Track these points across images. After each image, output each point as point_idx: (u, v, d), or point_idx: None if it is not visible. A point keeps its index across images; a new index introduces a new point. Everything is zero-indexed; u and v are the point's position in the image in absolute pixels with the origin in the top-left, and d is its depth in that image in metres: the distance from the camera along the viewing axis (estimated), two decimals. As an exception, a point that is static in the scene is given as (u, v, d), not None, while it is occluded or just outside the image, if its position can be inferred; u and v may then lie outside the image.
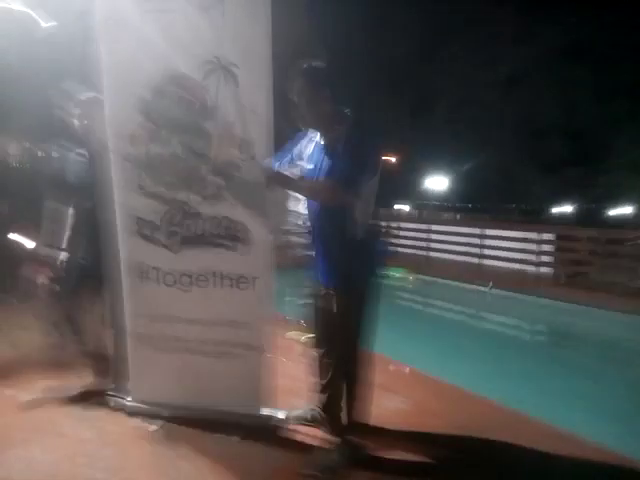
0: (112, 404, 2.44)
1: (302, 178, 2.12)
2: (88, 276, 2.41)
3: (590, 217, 19.21)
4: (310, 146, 2.13)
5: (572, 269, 8.41)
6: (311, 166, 2.06)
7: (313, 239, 2.12)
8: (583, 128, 18.78)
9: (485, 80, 18.59)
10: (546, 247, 8.78)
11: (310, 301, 2.25)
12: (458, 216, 20.48)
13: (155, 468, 2.01)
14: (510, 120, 19.09)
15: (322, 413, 2.28)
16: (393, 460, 2.14)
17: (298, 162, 2.17)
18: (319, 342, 2.27)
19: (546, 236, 8.82)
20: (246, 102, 2.09)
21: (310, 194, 2.06)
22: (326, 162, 1.99)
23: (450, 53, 18.14)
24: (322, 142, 2.07)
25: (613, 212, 21.01)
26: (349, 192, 1.89)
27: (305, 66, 1.97)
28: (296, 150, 2.21)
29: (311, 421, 2.33)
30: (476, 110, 19.35)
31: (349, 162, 1.88)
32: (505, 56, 18.30)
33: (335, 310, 2.06)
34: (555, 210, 23.12)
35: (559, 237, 8.87)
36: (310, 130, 2.14)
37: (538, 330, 7.08)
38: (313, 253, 2.17)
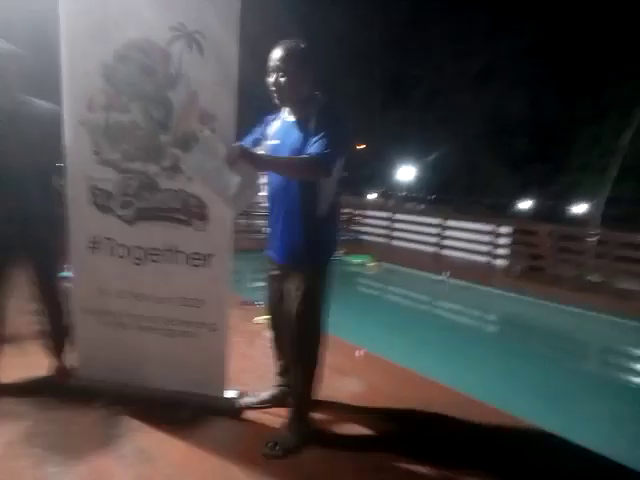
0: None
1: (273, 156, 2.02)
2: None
3: (549, 213, 19.96)
4: (275, 123, 2.09)
5: (527, 262, 8.74)
6: (277, 141, 2.01)
7: (272, 217, 2.08)
8: (547, 126, 19.38)
9: (456, 72, 18.83)
10: (503, 240, 9.08)
11: (269, 280, 2.25)
12: (422, 206, 20.87)
13: (99, 443, 1.97)
14: (478, 114, 19.45)
15: (281, 394, 2.31)
16: (345, 435, 2.20)
17: (263, 141, 2.12)
18: (274, 322, 2.28)
19: (504, 229, 9.11)
20: (210, 73, 2.04)
21: (287, 170, 1.95)
22: (295, 138, 1.95)
23: (422, 41, 18.21)
24: (291, 119, 2.03)
25: (571, 209, 21.93)
26: (326, 168, 1.88)
27: (289, 44, 1.93)
28: (263, 130, 2.17)
29: (268, 402, 2.34)
30: (446, 102, 19.61)
31: (323, 139, 1.85)
32: (477, 50, 18.54)
33: (294, 288, 2.07)
34: (516, 205, 23.89)
35: (517, 231, 9.17)
36: (281, 109, 2.10)
37: (489, 319, 7.36)
38: (269, 231, 2.14)
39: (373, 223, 11.62)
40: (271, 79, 1.95)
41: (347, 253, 9.00)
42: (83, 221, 2.23)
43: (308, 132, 1.91)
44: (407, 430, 2.35)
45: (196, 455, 1.94)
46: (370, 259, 9.25)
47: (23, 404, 2.19)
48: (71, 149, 2.16)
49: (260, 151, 2.01)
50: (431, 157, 20.78)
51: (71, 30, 2.09)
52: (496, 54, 18.09)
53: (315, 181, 1.94)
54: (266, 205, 2.12)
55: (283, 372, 2.34)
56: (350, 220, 11.81)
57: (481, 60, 18.62)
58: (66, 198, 2.21)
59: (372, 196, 23.71)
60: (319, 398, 2.27)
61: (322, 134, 1.85)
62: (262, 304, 2.36)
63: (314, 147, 1.84)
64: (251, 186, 1.87)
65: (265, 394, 2.37)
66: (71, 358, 2.43)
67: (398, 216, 11.22)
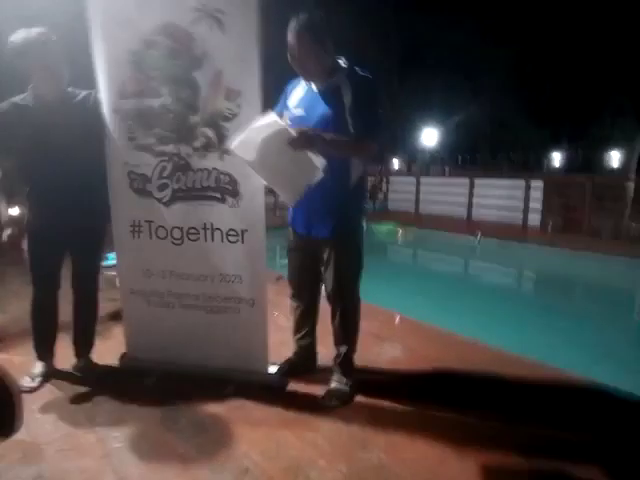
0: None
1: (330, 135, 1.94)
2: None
3: (582, 166, 19.26)
4: (297, 92, 2.10)
5: (562, 216, 8.54)
6: (301, 112, 2.02)
7: None
8: (575, 75, 18.46)
9: (475, 27, 18.01)
10: (536, 195, 8.86)
11: (293, 253, 2.30)
12: (447, 168, 20.44)
13: (155, 419, 2.08)
14: (501, 68, 18.65)
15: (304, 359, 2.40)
16: (388, 395, 2.26)
17: (285, 111, 2.13)
18: (299, 292, 2.34)
19: (536, 183, 8.89)
20: (233, 50, 2.05)
21: (345, 151, 1.95)
22: (323, 110, 1.95)
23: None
24: (315, 88, 2.03)
25: (605, 160, 21.09)
26: (379, 148, 1.91)
27: (303, 17, 1.91)
28: (283, 101, 2.18)
29: (297, 369, 2.41)
30: (467, 59, 18.86)
31: (370, 117, 1.86)
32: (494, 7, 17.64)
33: (328, 259, 2.12)
34: (547, 160, 23.11)
35: (549, 184, 8.93)
36: (298, 77, 2.11)
37: (527, 276, 7.29)
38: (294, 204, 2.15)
39: (399, 189, 11.52)
40: (291, 57, 1.96)
41: (374, 221, 9.01)
42: (124, 206, 2.33)
43: (338, 104, 1.91)
44: (450, 387, 2.40)
45: (247, 424, 2.03)
46: (397, 225, 9.21)
47: (81, 386, 2.31)
48: (108, 137, 2.24)
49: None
50: (454, 117, 20.17)
51: (98, 20, 2.14)
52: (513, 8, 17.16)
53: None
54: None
55: (305, 337, 2.42)
56: (375, 188, 11.73)
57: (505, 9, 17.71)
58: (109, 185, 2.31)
59: (396, 162, 23.36)
60: (361, 363, 2.34)
61: (366, 111, 1.85)
62: (289, 275, 2.41)
63: (361, 125, 1.84)
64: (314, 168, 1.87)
65: (288, 360, 2.42)
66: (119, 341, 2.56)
67: (424, 180, 11.08)
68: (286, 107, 2.14)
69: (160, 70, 2.12)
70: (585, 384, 2.44)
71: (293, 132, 1.83)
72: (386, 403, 2.19)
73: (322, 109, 1.95)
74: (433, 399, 2.25)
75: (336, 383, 2.22)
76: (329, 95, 1.97)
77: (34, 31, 2.05)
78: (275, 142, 1.85)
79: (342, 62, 2.02)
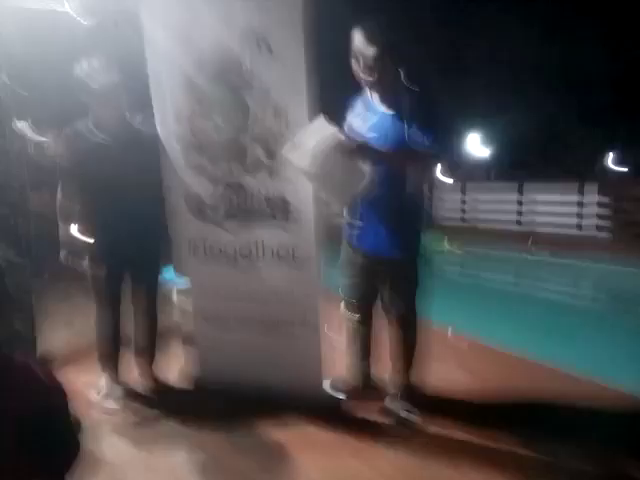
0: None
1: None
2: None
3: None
4: (368, 115, 2.07)
5: (626, 227, 8.04)
6: (374, 135, 1.98)
7: (359, 207, 2.09)
8: (631, 74, 17.52)
9: (521, 28, 17.56)
10: (594, 205, 8.39)
11: (347, 269, 2.29)
12: (493, 173, 19.81)
13: (221, 440, 2.11)
14: (548, 67, 18.04)
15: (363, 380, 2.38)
16: (453, 422, 2.18)
17: (352, 132, 2.10)
18: (355, 308, 2.33)
19: (593, 193, 8.42)
20: (281, 70, 2.10)
21: (404, 163, 1.96)
22: (396, 133, 1.94)
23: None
24: (387, 111, 2.00)
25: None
26: (440, 156, 1.92)
27: (371, 25, 1.90)
28: (347, 117, 2.19)
29: (356, 390, 2.39)
30: (511, 59, 18.38)
31: (433, 132, 1.87)
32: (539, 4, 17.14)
33: (387, 276, 2.11)
34: (603, 164, 22.00)
35: (611, 192, 8.42)
36: (361, 93, 2.11)
37: (589, 294, 6.88)
38: (356, 222, 2.17)
39: (443, 197, 11.29)
40: (357, 68, 1.95)
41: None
42: (181, 227, 2.41)
43: (409, 124, 1.90)
44: (518, 414, 2.28)
45: (312, 449, 2.02)
46: (443, 239, 8.98)
47: (146, 402, 2.40)
48: (164, 161, 2.35)
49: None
50: (500, 120, 19.61)
51: (153, 47, 2.24)
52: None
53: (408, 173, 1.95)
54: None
55: (360, 357, 2.40)
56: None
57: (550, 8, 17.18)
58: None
59: (439, 167, 22.92)
60: (420, 385, 2.30)
61: (430, 122, 1.86)
62: (346, 295, 2.40)
63: (426, 137, 1.84)
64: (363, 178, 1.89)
65: (349, 382, 2.41)
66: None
67: (470, 185, 10.81)
68: (351, 129, 2.12)
69: (211, 94, 2.20)
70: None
71: (344, 137, 1.84)
72: (453, 431, 2.12)
73: (386, 122, 1.95)
74: (502, 427, 2.14)
75: (393, 404, 2.20)
76: (393, 107, 1.96)
77: (95, 61, 2.19)
78: (327, 148, 1.87)
79: (403, 75, 2.01)
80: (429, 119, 1.88)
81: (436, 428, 2.15)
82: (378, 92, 2.02)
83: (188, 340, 2.66)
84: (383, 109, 2.00)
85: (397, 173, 1.90)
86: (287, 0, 2.01)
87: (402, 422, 2.15)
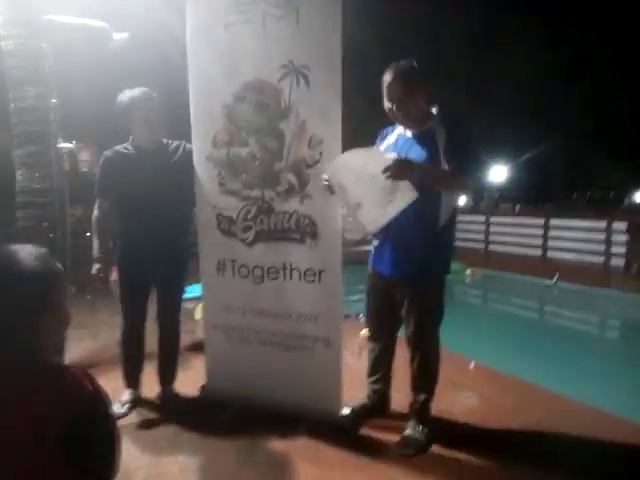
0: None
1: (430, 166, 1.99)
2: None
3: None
4: (391, 138, 2.17)
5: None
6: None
7: (386, 230, 2.10)
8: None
9: (548, 62, 17.65)
10: (619, 237, 8.27)
11: (373, 293, 2.32)
12: (518, 206, 19.64)
13: (232, 452, 2.14)
14: (575, 104, 18.00)
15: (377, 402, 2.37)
16: (464, 447, 2.17)
17: None
18: (380, 334, 2.34)
19: (618, 225, 8.31)
20: (317, 102, 2.19)
21: (442, 184, 1.99)
22: (418, 154, 2.00)
23: (508, 35, 17.31)
24: (409, 134, 2.09)
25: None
26: (471, 183, 1.97)
27: (400, 66, 2.01)
28: (379, 145, 2.26)
29: (369, 412, 2.37)
30: (538, 95, 18.42)
31: (467, 155, 1.92)
32: (569, 36, 17.25)
33: (416, 302, 2.12)
34: (628, 198, 21.58)
35: (634, 225, 8.30)
36: (396, 125, 2.18)
37: (611, 325, 6.73)
38: (378, 242, 2.21)
39: (467, 228, 11.22)
40: (387, 104, 2.05)
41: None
42: (211, 245, 2.49)
43: (432, 148, 1.97)
44: (529, 442, 2.26)
45: (320, 465, 2.03)
46: (463, 266, 8.90)
47: (164, 415, 2.43)
48: (200, 182, 2.45)
49: None
50: (527, 154, 19.53)
51: (197, 76, 2.38)
52: (593, 36, 16.66)
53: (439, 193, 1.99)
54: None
55: (379, 381, 2.39)
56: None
57: (577, 44, 17.27)
58: (197, 226, 2.50)
59: (463, 198, 22.81)
60: (435, 412, 2.28)
61: (461, 152, 1.91)
62: (368, 319, 2.42)
63: (456, 165, 1.89)
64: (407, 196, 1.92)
65: (361, 404, 2.40)
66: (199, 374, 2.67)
67: (494, 219, 10.74)
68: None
69: (249, 122, 2.31)
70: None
71: (390, 157, 1.89)
72: (462, 455, 2.11)
73: (416, 153, 2.00)
74: (511, 453, 2.14)
75: (412, 430, 2.17)
76: (423, 139, 2.03)
77: (138, 91, 2.34)
78: (370, 166, 1.92)
79: (434, 109, 2.09)
80: (459, 151, 1.92)
81: (443, 449, 2.14)
82: (408, 126, 2.10)
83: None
84: (414, 142, 2.06)
85: (424, 198, 1.91)
86: (327, 36, 2.12)
87: (409, 442, 2.14)
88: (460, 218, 11.41)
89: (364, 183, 1.97)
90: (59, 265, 0.98)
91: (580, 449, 2.22)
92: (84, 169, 8.30)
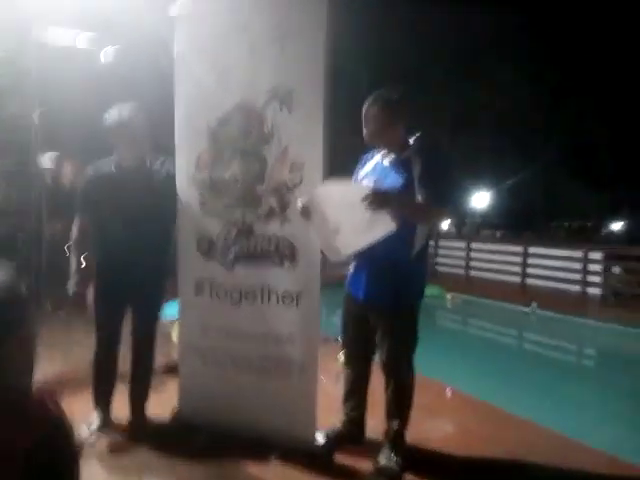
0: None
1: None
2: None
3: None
4: (369, 164, 2.22)
5: (625, 290, 8.06)
6: (370, 183, 2.10)
7: (362, 256, 2.15)
8: (633, 142, 18.04)
9: (527, 94, 18.25)
10: (595, 266, 8.47)
11: (348, 317, 2.33)
12: (499, 233, 20.02)
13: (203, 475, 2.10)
14: (553, 134, 18.59)
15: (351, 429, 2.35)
16: (439, 477, 2.17)
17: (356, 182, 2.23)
18: (355, 359, 2.34)
19: (595, 254, 8.52)
20: (299, 128, 2.23)
21: (417, 215, 2.03)
22: (393, 180, 2.05)
23: (488, 66, 17.91)
24: (386, 161, 2.14)
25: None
26: (446, 212, 1.99)
27: (380, 94, 2.07)
28: (357, 171, 2.31)
29: (343, 440, 2.35)
30: (519, 125, 18.98)
31: (433, 183, 1.95)
32: (548, 70, 17.92)
33: (388, 329, 2.13)
34: (605, 228, 22.18)
35: (610, 256, 8.52)
36: (376, 150, 2.23)
37: (587, 354, 6.82)
38: (354, 268, 2.24)
39: (448, 254, 11.36)
40: (366, 131, 2.10)
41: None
42: (190, 266, 2.48)
43: (407, 175, 2.01)
44: (505, 472, 2.27)
45: None
46: (443, 291, 8.97)
47: (134, 439, 2.36)
48: (181, 203, 2.45)
49: None
50: (507, 182, 19.99)
51: (183, 99, 2.41)
52: (571, 71, 17.34)
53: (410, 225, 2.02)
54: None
55: (354, 408, 2.38)
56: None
57: (557, 78, 17.92)
58: (177, 247, 2.49)
59: (445, 225, 23.15)
60: (410, 440, 2.27)
61: (436, 180, 1.94)
62: (344, 344, 2.42)
63: (432, 194, 1.92)
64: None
65: (336, 431, 2.37)
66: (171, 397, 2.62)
67: (475, 245, 10.89)
68: (358, 177, 2.26)
69: (233, 145, 2.33)
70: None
71: (368, 188, 1.94)
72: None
73: (392, 182, 2.05)
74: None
75: (385, 459, 2.15)
76: (399, 167, 2.07)
77: (124, 112, 2.34)
78: (349, 197, 1.95)
79: (412, 138, 2.14)
80: (436, 178, 1.97)
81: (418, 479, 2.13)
82: (387, 152, 2.15)
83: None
84: (391, 170, 2.10)
85: (400, 225, 1.93)
86: (311, 63, 2.18)
87: (382, 472, 2.12)
88: (442, 243, 11.64)
89: (343, 212, 2.00)
90: (27, 288, 0.96)
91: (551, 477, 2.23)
92: (67, 184, 8.18)
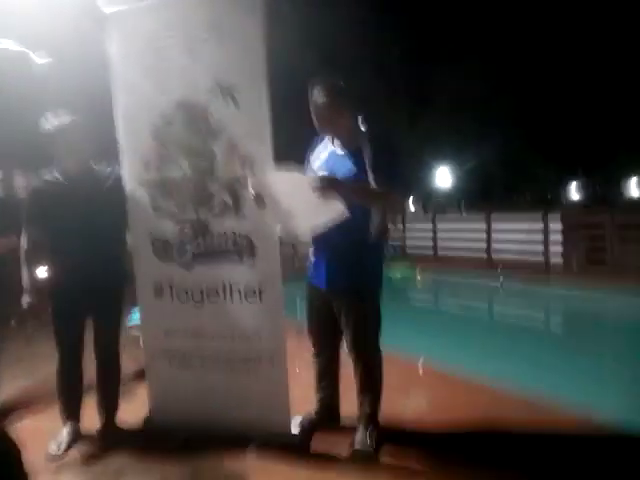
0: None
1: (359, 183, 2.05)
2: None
3: (603, 201, 19.06)
4: (322, 154, 2.22)
5: (585, 255, 8.36)
6: (324, 173, 2.10)
7: (320, 244, 2.18)
8: (590, 111, 18.61)
9: (480, 73, 18.55)
10: (556, 234, 8.72)
11: (311, 308, 2.36)
12: (463, 209, 20.48)
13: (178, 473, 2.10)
14: (509, 107, 18.99)
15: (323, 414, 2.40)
16: (414, 453, 2.21)
17: (309, 169, 2.24)
18: (322, 347, 2.38)
19: (555, 223, 8.78)
20: (246, 122, 2.21)
21: (370, 200, 2.05)
22: (347, 170, 2.06)
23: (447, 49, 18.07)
24: (340, 151, 2.15)
25: (626, 194, 20.90)
26: (397, 197, 2.03)
27: (327, 82, 2.07)
28: (307, 157, 2.31)
29: (317, 424, 2.39)
30: (473, 102, 19.29)
31: (383, 169, 1.98)
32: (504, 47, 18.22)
33: (352, 314, 2.17)
34: (565, 196, 22.99)
35: (570, 222, 8.79)
36: (326, 137, 2.23)
37: (552, 318, 7.08)
38: (314, 257, 2.26)
39: (415, 232, 11.54)
40: (315, 118, 2.10)
41: (390, 264, 8.99)
42: (147, 270, 2.44)
43: (360, 163, 2.03)
44: (479, 443, 2.33)
45: (272, 474, 2.06)
46: (411, 268, 9.12)
47: (106, 450, 2.32)
48: (132, 207, 2.40)
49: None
50: (466, 160, 20.39)
51: (122, 98, 2.35)
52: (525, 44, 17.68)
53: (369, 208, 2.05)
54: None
55: (326, 394, 2.43)
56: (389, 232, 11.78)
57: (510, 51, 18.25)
58: (132, 252, 2.44)
59: (411, 204, 23.50)
60: (385, 417, 2.32)
61: (386, 166, 1.97)
62: (310, 331, 2.45)
63: (382, 179, 1.95)
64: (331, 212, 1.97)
65: (310, 418, 2.41)
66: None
67: (440, 218, 11.11)
68: (310, 169, 2.25)
69: (180, 143, 2.29)
70: (618, 432, 2.35)
71: (317, 177, 1.97)
72: (413, 458, 2.15)
73: (345, 169, 2.06)
74: (462, 453, 2.20)
75: (361, 442, 2.20)
76: (352, 157, 2.08)
77: (61, 117, 2.26)
78: (298, 185, 1.97)
79: (362, 122, 2.15)
80: (385, 162, 2.00)
81: (393, 457, 2.18)
82: (336, 137, 2.16)
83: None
84: (342, 153, 2.12)
85: (354, 212, 1.96)
86: (251, 55, 2.16)
87: (358, 453, 2.16)
88: (409, 226, 11.80)
89: (295, 198, 2.01)
90: None
91: (527, 444, 2.28)
92: (20, 196, 7.88)
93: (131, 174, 2.38)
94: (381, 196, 2.03)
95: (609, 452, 2.22)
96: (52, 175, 2.34)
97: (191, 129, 2.27)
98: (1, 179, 4.68)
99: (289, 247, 8.71)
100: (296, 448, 2.26)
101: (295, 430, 2.34)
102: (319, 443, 2.31)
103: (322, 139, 2.27)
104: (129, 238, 2.48)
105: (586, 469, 2.07)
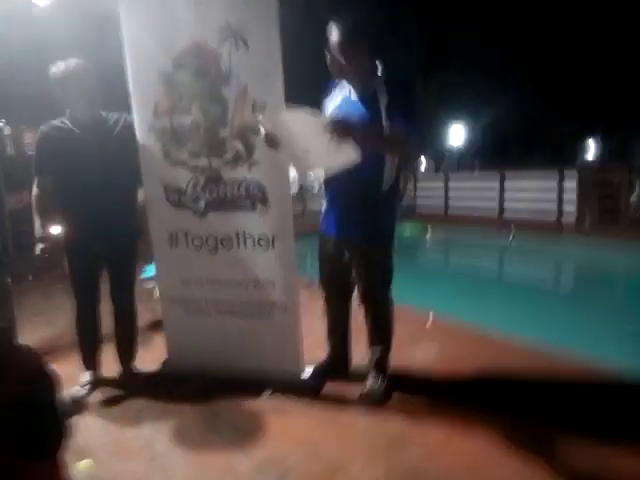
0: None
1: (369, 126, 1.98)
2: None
3: (619, 157, 18.56)
4: (336, 99, 2.16)
5: (600, 210, 8.23)
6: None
7: (333, 193, 2.16)
8: (609, 66, 17.84)
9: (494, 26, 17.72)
10: (571, 190, 8.57)
11: (323, 257, 2.35)
12: (477, 167, 20.12)
13: (197, 422, 2.16)
14: (523, 64, 18.26)
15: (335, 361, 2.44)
16: (423, 396, 2.27)
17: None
18: (333, 296, 2.38)
19: (570, 180, 8.61)
20: (258, 66, 2.14)
21: (385, 145, 2.00)
22: (361, 115, 2.00)
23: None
24: (354, 96, 2.08)
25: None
26: (419, 144, 1.97)
27: (351, 19, 1.98)
28: (323, 101, 2.24)
29: (330, 371, 2.43)
30: (490, 57, 18.56)
31: (408, 115, 1.92)
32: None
33: (359, 262, 2.16)
34: (581, 154, 22.40)
35: (585, 177, 8.60)
36: (342, 81, 2.16)
37: (565, 273, 7.03)
38: (326, 207, 2.25)
39: (427, 190, 11.41)
40: (330, 59, 2.03)
41: (402, 221, 8.93)
42: (161, 218, 2.44)
43: (375, 108, 1.97)
44: (486, 388, 2.38)
45: (286, 426, 2.08)
46: (422, 226, 9.07)
47: (127, 393, 2.42)
48: (144, 154, 2.37)
49: None
50: (482, 116, 19.84)
51: (132, 45, 2.28)
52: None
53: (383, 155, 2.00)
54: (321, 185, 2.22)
55: (338, 341, 2.46)
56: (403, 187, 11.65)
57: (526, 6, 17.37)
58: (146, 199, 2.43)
59: (423, 161, 23.12)
60: (395, 365, 2.36)
61: (401, 112, 1.91)
62: (323, 280, 2.44)
63: (397, 126, 1.90)
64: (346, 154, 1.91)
65: (322, 364, 2.45)
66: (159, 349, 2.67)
67: (453, 177, 10.95)
68: (325, 108, 2.20)
69: (190, 88, 2.24)
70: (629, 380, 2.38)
71: (330, 118, 1.91)
72: (422, 403, 2.21)
73: (359, 114, 2.00)
74: (469, 399, 2.25)
75: (371, 383, 2.25)
76: (366, 100, 2.02)
77: (71, 62, 2.21)
78: (311, 126, 1.90)
79: (379, 66, 2.08)
80: (400, 112, 1.94)
81: (403, 400, 2.24)
82: (352, 81, 2.09)
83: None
84: (358, 104, 2.05)
85: (368, 160, 1.92)
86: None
87: (369, 395, 2.21)
88: (420, 185, 11.64)
89: (307, 138, 1.95)
90: None
91: (532, 391, 2.33)
92: (30, 152, 7.88)
93: (141, 120, 2.34)
94: (395, 141, 1.97)
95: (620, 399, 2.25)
96: (63, 123, 2.30)
97: (201, 73, 2.20)
98: (10, 135, 4.64)
99: (298, 204, 8.72)
100: (308, 392, 2.32)
101: (307, 376, 2.40)
102: (331, 386, 2.37)
103: (337, 84, 2.20)
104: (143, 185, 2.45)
105: (588, 415, 2.11)
